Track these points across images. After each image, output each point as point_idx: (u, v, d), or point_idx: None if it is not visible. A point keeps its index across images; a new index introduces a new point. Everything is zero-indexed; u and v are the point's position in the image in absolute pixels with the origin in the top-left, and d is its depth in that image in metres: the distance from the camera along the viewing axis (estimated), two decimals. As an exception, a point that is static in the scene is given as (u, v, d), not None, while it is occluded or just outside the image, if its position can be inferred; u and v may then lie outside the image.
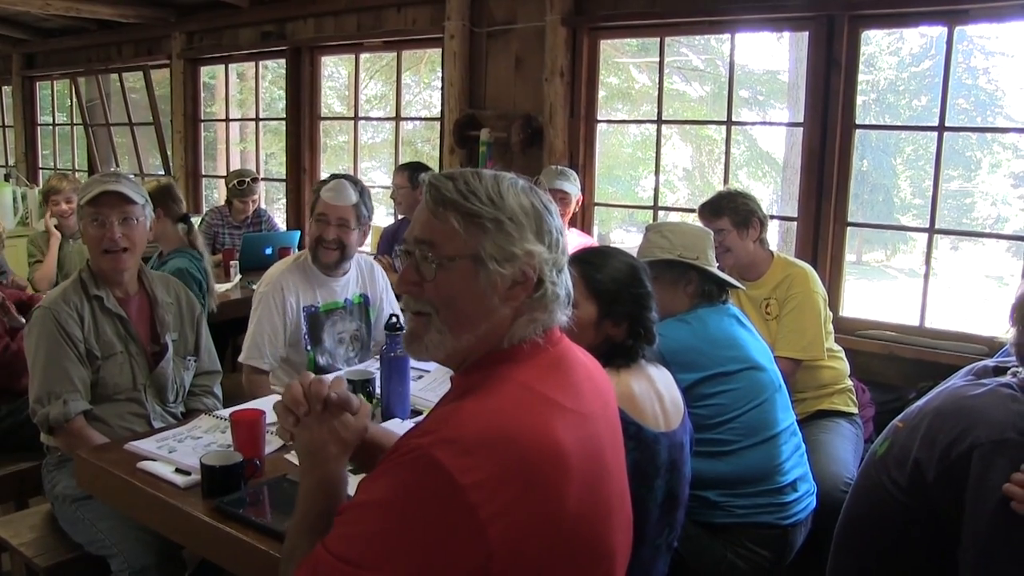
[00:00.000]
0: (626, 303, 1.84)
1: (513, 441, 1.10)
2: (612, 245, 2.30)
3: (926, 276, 3.74)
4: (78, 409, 2.31)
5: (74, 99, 8.22)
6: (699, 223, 3.07)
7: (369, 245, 4.95)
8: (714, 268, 2.42)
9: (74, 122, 8.44)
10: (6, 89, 8.93)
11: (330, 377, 1.37)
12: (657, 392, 1.84)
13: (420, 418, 2.01)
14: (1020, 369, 1.68)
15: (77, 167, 8.37)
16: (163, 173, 7.09)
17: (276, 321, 2.84)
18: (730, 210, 3.08)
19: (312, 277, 2.93)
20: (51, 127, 8.94)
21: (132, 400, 2.46)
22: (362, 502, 1.13)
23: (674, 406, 1.88)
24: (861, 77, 3.69)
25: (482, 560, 1.07)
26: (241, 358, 2.87)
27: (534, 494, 1.10)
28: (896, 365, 3.53)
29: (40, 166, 8.76)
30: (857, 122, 3.69)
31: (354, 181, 2.90)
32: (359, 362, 2.95)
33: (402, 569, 1.07)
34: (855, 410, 3.14)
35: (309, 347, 2.91)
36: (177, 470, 1.88)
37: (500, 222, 1.20)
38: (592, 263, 1.87)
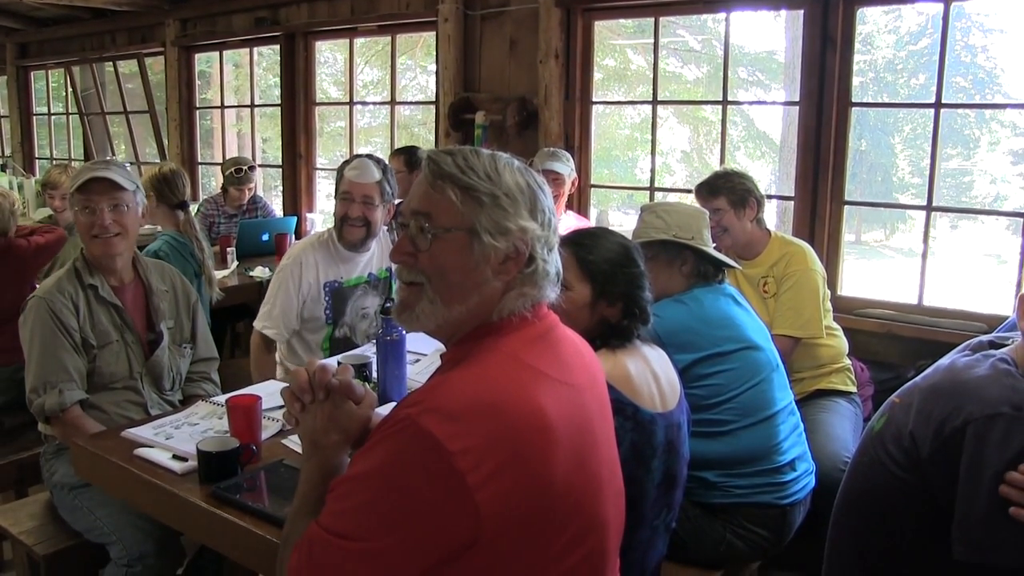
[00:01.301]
0: (620, 283, 1.84)
1: (499, 408, 1.12)
2: (609, 227, 2.31)
3: (924, 254, 3.73)
4: (74, 398, 2.31)
5: (69, 88, 8.19)
6: (696, 204, 3.06)
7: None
8: (710, 248, 2.41)
9: (70, 111, 8.41)
10: (0, 79, 8.90)
11: (333, 363, 1.37)
12: (653, 373, 1.84)
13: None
14: (1015, 338, 1.68)
15: (73, 156, 8.35)
16: (160, 161, 7.06)
17: (291, 294, 2.92)
18: (727, 190, 3.06)
19: (336, 253, 3.00)
20: (47, 116, 8.91)
21: (129, 388, 2.46)
22: (353, 475, 1.15)
23: (671, 387, 1.88)
24: (858, 56, 3.67)
25: (471, 526, 1.08)
26: (255, 323, 2.96)
27: (521, 461, 1.11)
28: (895, 343, 3.53)
29: (36, 156, 8.75)
30: (853, 100, 3.68)
31: (376, 160, 2.96)
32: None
33: (394, 537, 1.08)
34: (854, 389, 3.14)
35: (330, 320, 2.98)
36: (174, 456, 1.88)
37: (496, 197, 1.23)
38: (584, 244, 1.86)
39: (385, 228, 3.11)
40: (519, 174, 1.27)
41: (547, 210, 1.28)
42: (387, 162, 3.07)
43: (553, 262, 1.29)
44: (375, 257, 3.11)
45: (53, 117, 8.89)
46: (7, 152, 8.94)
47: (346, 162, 2.98)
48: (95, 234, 2.38)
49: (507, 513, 1.10)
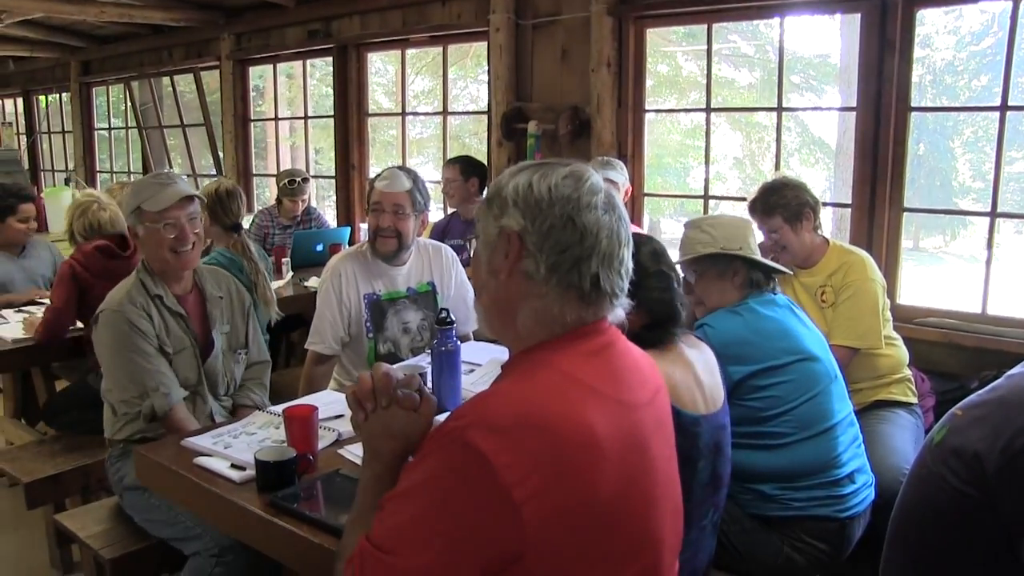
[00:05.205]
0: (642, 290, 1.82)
1: (546, 425, 1.11)
2: (661, 235, 2.29)
3: (988, 261, 3.62)
4: (179, 396, 2.39)
5: (128, 103, 8.41)
6: (749, 218, 3.01)
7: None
8: (758, 256, 2.38)
9: (128, 126, 8.66)
10: (64, 96, 9.19)
11: (398, 371, 1.37)
12: (696, 376, 1.83)
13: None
14: None
15: (132, 169, 8.58)
16: (215, 173, 7.21)
17: (334, 307, 2.91)
18: (781, 207, 3.01)
19: (372, 266, 2.97)
20: (107, 131, 9.16)
21: (196, 394, 2.51)
22: (401, 490, 1.15)
23: (715, 388, 1.86)
24: (916, 58, 3.59)
25: (517, 540, 1.07)
26: (307, 344, 2.96)
27: (567, 478, 1.10)
28: (957, 353, 3.44)
29: (98, 169, 9.01)
30: (912, 105, 3.59)
31: (407, 170, 2.95)
32: (426, 350, 2.96)
33: (440, 552, 1.08)
34: (914, 400, 3.06)
35: (371, 334, 2.96)
36: (233, 466, 1.91)
37: (491, 201, 1.28)
38: None
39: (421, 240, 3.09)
40: (536, 179, 1.23)
41: (554, 211, 1.21)
42: (444, 172, 3.02)
43: (588, 274, 1.22)
44: (414, 271, 3.05)
45: (113, 132, 9.14)
46: (71, 166, 9.22)
47: (377, 175, 2.97)
48: (179, 249, 2.43)
49: (553, 529, 1.09)
